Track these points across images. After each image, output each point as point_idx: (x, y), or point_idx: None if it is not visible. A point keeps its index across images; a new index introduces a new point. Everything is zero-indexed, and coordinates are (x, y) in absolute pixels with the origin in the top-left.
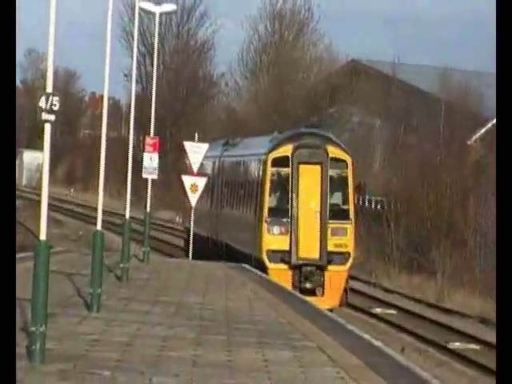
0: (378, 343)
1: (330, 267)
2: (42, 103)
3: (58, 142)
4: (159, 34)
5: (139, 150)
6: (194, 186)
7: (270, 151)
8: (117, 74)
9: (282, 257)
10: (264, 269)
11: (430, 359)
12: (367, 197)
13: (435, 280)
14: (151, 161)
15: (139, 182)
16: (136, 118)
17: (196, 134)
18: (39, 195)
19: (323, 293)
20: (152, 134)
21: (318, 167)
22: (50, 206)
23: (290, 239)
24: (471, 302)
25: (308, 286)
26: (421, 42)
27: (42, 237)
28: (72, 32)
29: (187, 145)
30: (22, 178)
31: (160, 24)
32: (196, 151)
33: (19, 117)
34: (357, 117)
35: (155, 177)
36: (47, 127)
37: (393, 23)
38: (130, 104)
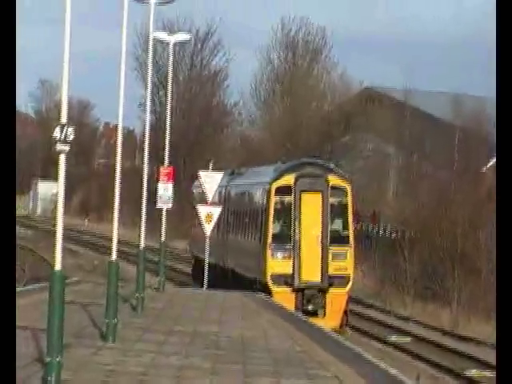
0: (393, 371)
1: (331, 290)
2: (57, 134)
3: (72, 172)
4: (173, 64)
5: (153, 179)
6: (209, 215)
7: (273, 180)
8: (131, 104)
9: (286, 280)
10: (268, 292)
11: None
12: (382, 225)
13: (450, 307)
14: (166, 190)
15: (153, 212)
16: (150, 148)
17: (210, 163)
18: (54, 225)
19: (324, 314)
20: (166, 164)
21: (319, 195)
22: (64, 236)
23: (293, 263)
24: (486, 329)
25: (310, 307)
26: (433, 67)
27: (57, 267)
28: (86, 62)
29: (202, 174)
30: (37, 208)
31: (174, 54)
32: (211, 180)
33: (33, 148)
34: (371, 144)
35: (170, 206)
36: (62, 157)
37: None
38: (144, 134)
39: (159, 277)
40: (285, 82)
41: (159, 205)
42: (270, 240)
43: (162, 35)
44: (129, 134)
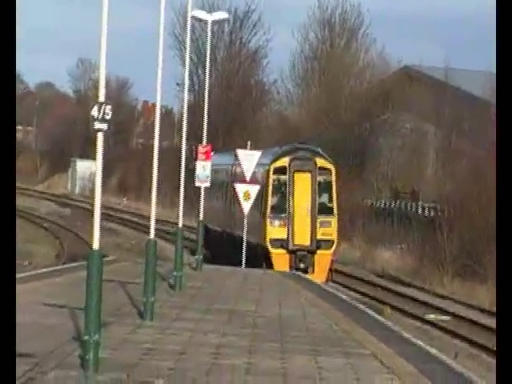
0: (431, 350)
1: (318, 251)
2: (95, 112)
3: (110, 152)
4: (211, 43)
5: (191, 158)
6: (246, 193)
7: (272, 162)
8: (169, 83)
9: (282, 244)
10: (267, 253)
11: (483, 365)
12: (420, 203)
13: (487, 285)
14: (204, 169)
15: (191, 191)
16: (188, 127)
17: (248, 142)
18: (92, 204)
19: (313, 271)
20: (204, 143)
21: (309, 174)
22: (102, 215)
23: (288, 230)
24: None
25: (302, 266)
26: (473, 45)
27: (95, 246)
28: (124, 41)
29: (240, 152)
30: (75, 187)
31: (212, 32)
32: (249, 159)
33: (72, 126)
34: (409, 123)
35: (208, 185)
36: (100, 136)
37: (444, 26)
38: (182, 112)
39: (197, 255)
40: (322, 60)
41: (197, 183)
42: (269, 211)
43: (200, 14)
44: (167, 113)
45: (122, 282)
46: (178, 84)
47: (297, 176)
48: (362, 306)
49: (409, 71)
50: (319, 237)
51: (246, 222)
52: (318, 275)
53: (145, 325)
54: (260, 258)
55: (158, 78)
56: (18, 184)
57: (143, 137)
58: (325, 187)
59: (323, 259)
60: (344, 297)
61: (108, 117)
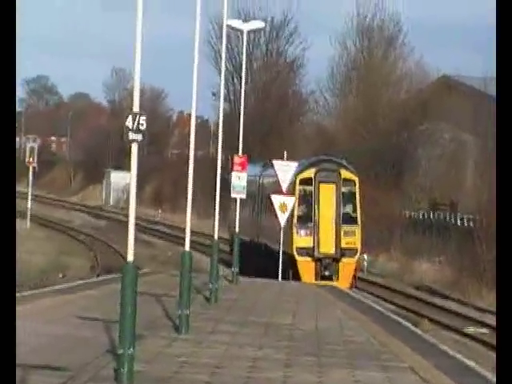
0: (470, 363)
1: (342, 259)
2: (129, 123)
3: (145, 162)
4: (247, 52)
5: (227, 169)
6: (283, 205)
7: (298, 173)
8: (205, 93)
9: (308, 252)
10: (294, 261)
11: None
12: (459, 214)
13: None
14: (239, 180)
15: (227, 202)
16: (224, 137)
17: (285, 152)
18: (126, 216)
19: (338, 278)
20: (240, 153)
21: (334, 185)
22: (137, 226)
23: (313, 239)
24: None
25: (326, 273)
26: None
27: (130, 258)
28: (159, 50)
29: (276, 163)
30: (110, 199)
31: (248, 42)
32: (285, 169)
33: (106, 137)
34: (448, 133)
35: (243, 196)
36: (134, 147)
37: (484, 34)
38: (217, 123)
39: (233, 267)
40: (360, 70)
41: (233, 195)
42: (295, 220)
43: (236, 23)
44: (202, 123)
45: (156, 294)
46: (213, 94)
47: (322, 187)
48: (399, 319)
49: (447, 80)
50: (343, 245)
51: (282, 234)
52: (342, 282)
53: (180, 338)
54: (286, 265)
55: (194, 87)
56: (52, 195)
57: (178, 147)
58: (349, 198)
59: (347, 267)
60: (381, 309)
61: (142, 127)
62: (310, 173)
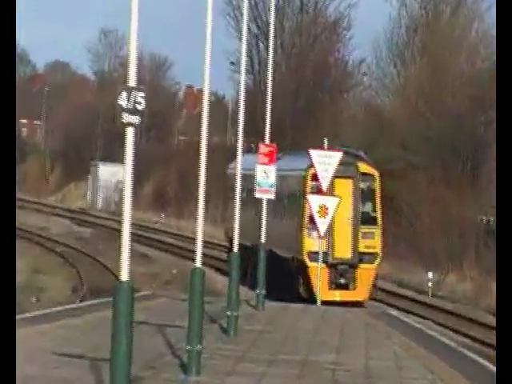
0: None
1: (360, 265)
2: (123, 101)
3: (144, 152)
4: (276, 8)
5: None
6: (322, 208)
7: (309, 167)
8: (221, 62)
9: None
10: (304, 267)
11: None
12: None
13: None
14: (266, 175)
15: (251, 204)
16: (246, 119)
17: (325, 139)
18: (119, 222)
19: (355, 287)
20: (267, 140)
21: (351, 181)
22: (133, 236)
23: (327, 242)
24: None
25: (342, 281)
26: None
27: (124, 277)
28: (161, 7)
29: (314, 154)
30: (97, 200)
31: None
32: (325, 161)
33: (93, 120)
34: None
35: (272, 196)
36: (130, 132)
37: None
38: (237, 101)
39: (257, 289)
40: (423, 32)
41: (258, 194)
42: (306, 221)
43: None
44: (218, 102)
45: (159, 324)
46: (232, 63)
47: (337, 182)
48: (474, 356)
49: None
50: (362, 249)
51: (320, 243)
52: (360, 292)
53: (190, 380)
54: (295, 272)
55: (206, 55)
56: (22, 195)
57: (186, 132)
58: (368, 195)
59: (366, 274)
60: (451, 343)
61: (140, 107)
62: None
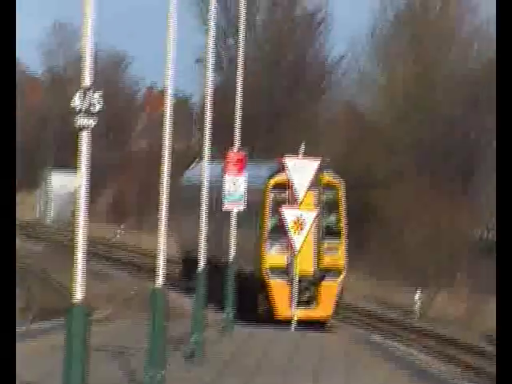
0: None
1: (323, 282)
2: (77, 102)
3: (100, 159)
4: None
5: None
6: (297, 222)
7: (269, 177)
8: (186, 60)
9: (281, 273)
10: (265, 284)
11: None
12: None
13: None
14: (235, 186)
15: (218, 216)
16: (214, 123)
17: (302, 145)
18: (73, 237)
19: (318, 304)
20: (237, 147)
21: (313, 193)
22: (89, 252)
23: (288, 256)
24: None
25: (304, 298)
26: None
27: (78, 297)
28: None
29: (289, 162)
30: (49, 212)
31: None
32: (301, 170)
33: (43, 122)
34: None
35: (241, 208)
36: (85, 137)
37: None
38: (204, 103)
39: (225, 311)
40: (412, 24)
41: (226, 206)
42: (266, 234)
43: None
44: (183, 103)
45: (117, 350)
46: (197, 60)
47: None
48: None
49: None
50: (325, 265)
51: (295, 261)
52: (323, 309)
53: None
54: (255, 289)
55: (169, 51)
56: None
57: (147, 137)
58: (331, 207)
59: (329, 291)
60: (442, 373)
61: (96, 109)
62: (283, 176)
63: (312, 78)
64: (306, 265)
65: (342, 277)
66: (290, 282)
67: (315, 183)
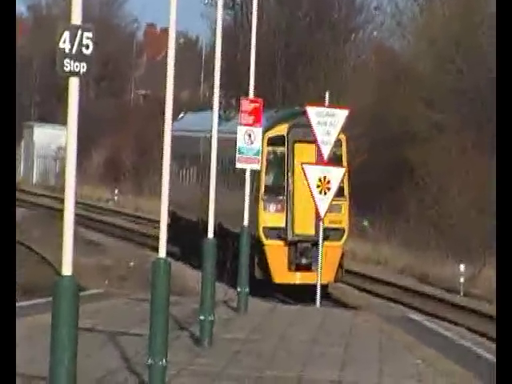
0: None
1: (325, 243)
2: (65, 44)
3: (92, 111)
4: None
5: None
6: (323, 181)
7: (265, 130)
8: None
9: (279, 233)
10: (260, 246)
11: None
12: None
13: None
14: (250, 139)
15: (230, 173)
16: (224, 68)
17: (327, 93)
18: (61, 200)
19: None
20: (251, 94)
21: (313, 145)
22: (79, 218)
23: (286, 216)
24: None
25: (304, 261)
26: None
27: (67, 271)
28: None
29: (312, 112)
30: (32, 172)
31: None
32: (327, 121)
33: (26, 68)
34: None
35: (257, 167)
36: (74, 85)
37: None
38: (214, 45)
39: (239, 286)
40: None
41: (239, 164)
42: (262, 192)
43: None
44: (189, 46)
45: (112, 332)
46: None
47: (298, 147)
48: None
49: None
50: (326, 224)
51: (322, 225)
52: (325, 274)
53: None
54: (250, 251)
55: None
56: None
57: (147, 85)
58: (334, 162)
59: (331, 253)
60: (489, 355)
61: (88, 51)
62: (281, 129)
63: (338, 16)
64: (305, 225)
65: (344, 237)
66: (288, 243)
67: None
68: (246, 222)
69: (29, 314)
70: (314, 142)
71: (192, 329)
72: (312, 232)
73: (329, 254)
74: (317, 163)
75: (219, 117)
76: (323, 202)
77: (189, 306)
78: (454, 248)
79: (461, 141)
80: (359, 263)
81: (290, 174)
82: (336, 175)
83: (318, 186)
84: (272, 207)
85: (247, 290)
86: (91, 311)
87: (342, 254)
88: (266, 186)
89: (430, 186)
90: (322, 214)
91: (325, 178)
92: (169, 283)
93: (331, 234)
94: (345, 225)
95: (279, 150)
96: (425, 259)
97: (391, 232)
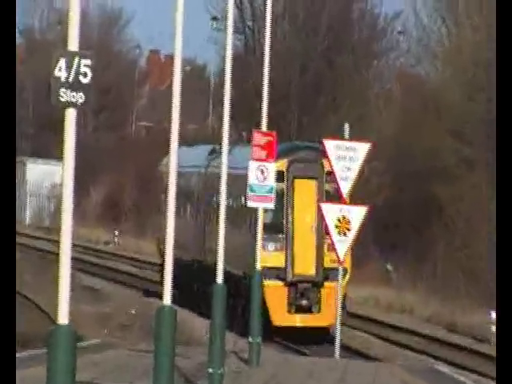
0: None
1: (326, 284)
2: (61, 72)
3: (90, 144)
4: None
5: None
6: (342, 221)
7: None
8: (199, 19)
9: (278, 274)
10: None
11: None
12: None
13: None
14: (263, 176)
15: (239, 214)
16: (235, 99)
17: (346, 125)
18: (56, 243)
19: (319, 310)
20: (264, 127)
21: (314, 181)
22: (76, 262)
23: (286, 255)
24: None
25: (304, 302)
26: None
27: (63, 319)
28: None
29: (330, 145)
30: (24, 211)
31: None
32: (347, 156)
33: (18, 97)
34: None
35: (270, 205)
36: (70, 115)
37: None
38: (223, 72)
39: (251, 336)
40: None
41: (251, 202)
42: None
43: None
44: (196, 73)
45: None
46: (214, 19)
47: (298, 183)
48: None
49: None
50: (328, 264)
51: (341, 271)
52: (326, 316)
53: None
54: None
55: (178, 6)
56: None
57: (150, 117)
58: (334, 198)
59: (333, 294)
60: None
61: (86, 80)
62: (280, 164)
63: (359, 40)
64: (306, 265)
65: (347, 277)
66: (288, 284)
67: (317, 171)
68: (258, 266)
69: (22, 367)
70: (314, 177)
71: (200, 383)
72: (312, 272)
73: (330, 296)
74: (336, 201)
75: (214, 151)
76: (342, 244)
77: (196, 358)
78: (484, 294)
79: (492, 177)
80: (382, 311)
81: (289, 211)
82: (357, 215)
83: (337, 227)
84: (271, 246)
85: (259, 340)
86: (90, 363)
87: (345, 295)
88: (264, 224)
89: (460, 227)
90: (341, 257)
91: (344, 217)
92: (174, 333)
93: (332, 274)
94: (347, 264)
95: (278, 186)
96: (453, 307)
97: (417, 277)
